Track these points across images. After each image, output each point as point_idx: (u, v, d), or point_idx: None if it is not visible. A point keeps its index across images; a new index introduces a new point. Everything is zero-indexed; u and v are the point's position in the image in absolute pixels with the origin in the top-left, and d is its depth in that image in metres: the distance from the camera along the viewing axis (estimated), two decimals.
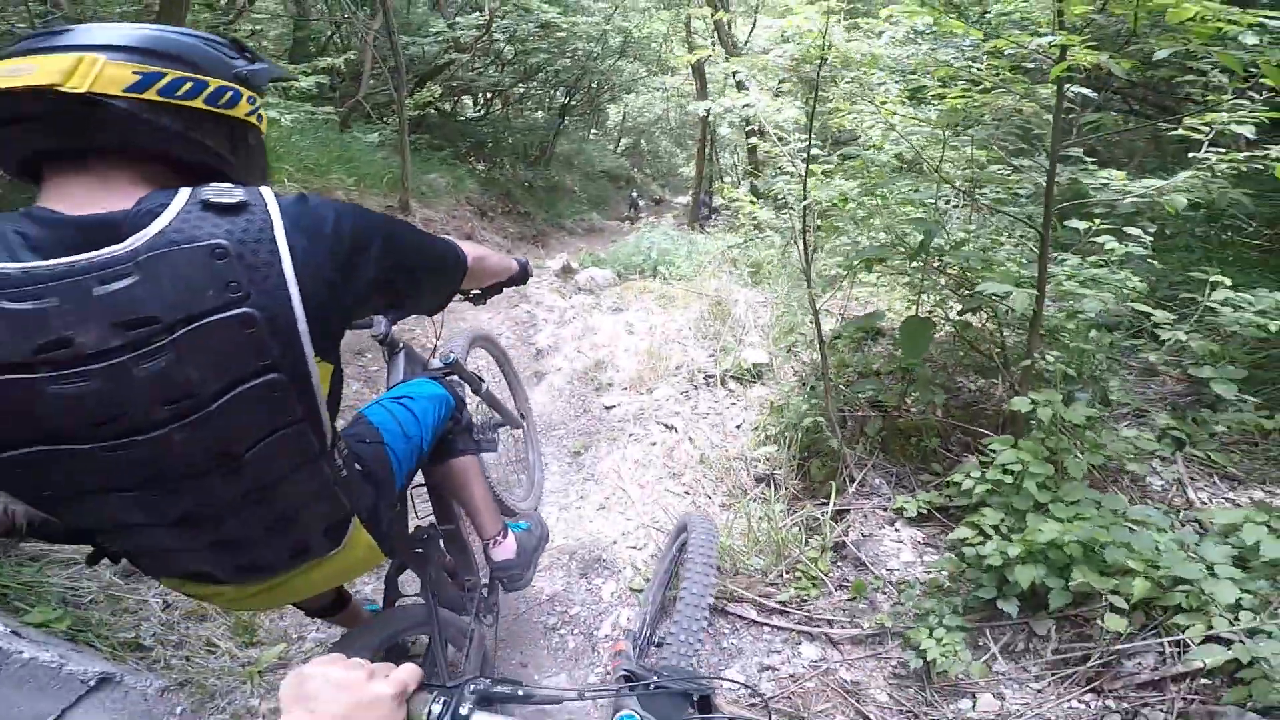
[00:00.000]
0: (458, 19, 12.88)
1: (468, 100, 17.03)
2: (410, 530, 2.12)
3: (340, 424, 1.43)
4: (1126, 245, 2.89)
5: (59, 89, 0.96)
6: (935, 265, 3.29)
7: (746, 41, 16.19)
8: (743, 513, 3.28)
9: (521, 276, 2.11)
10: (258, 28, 13.12)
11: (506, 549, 2.42)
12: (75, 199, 1.02)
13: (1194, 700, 2.09)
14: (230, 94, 1.14)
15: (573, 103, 19.51)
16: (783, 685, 2.58)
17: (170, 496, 1.08)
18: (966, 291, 3.23)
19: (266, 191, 1.07)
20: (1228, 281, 2.76)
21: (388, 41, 9.53)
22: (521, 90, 17.44)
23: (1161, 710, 2.10)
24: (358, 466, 1.51)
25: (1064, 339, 3.07)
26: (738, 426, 4.25)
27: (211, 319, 0.97)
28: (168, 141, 1.08)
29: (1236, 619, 2.10)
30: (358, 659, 0.90)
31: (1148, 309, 2.84)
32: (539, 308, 7.38)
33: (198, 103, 1.09)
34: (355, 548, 1.42)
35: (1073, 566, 2.26)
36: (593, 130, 28.99)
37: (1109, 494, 2.54)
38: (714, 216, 14.96)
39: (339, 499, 1.30)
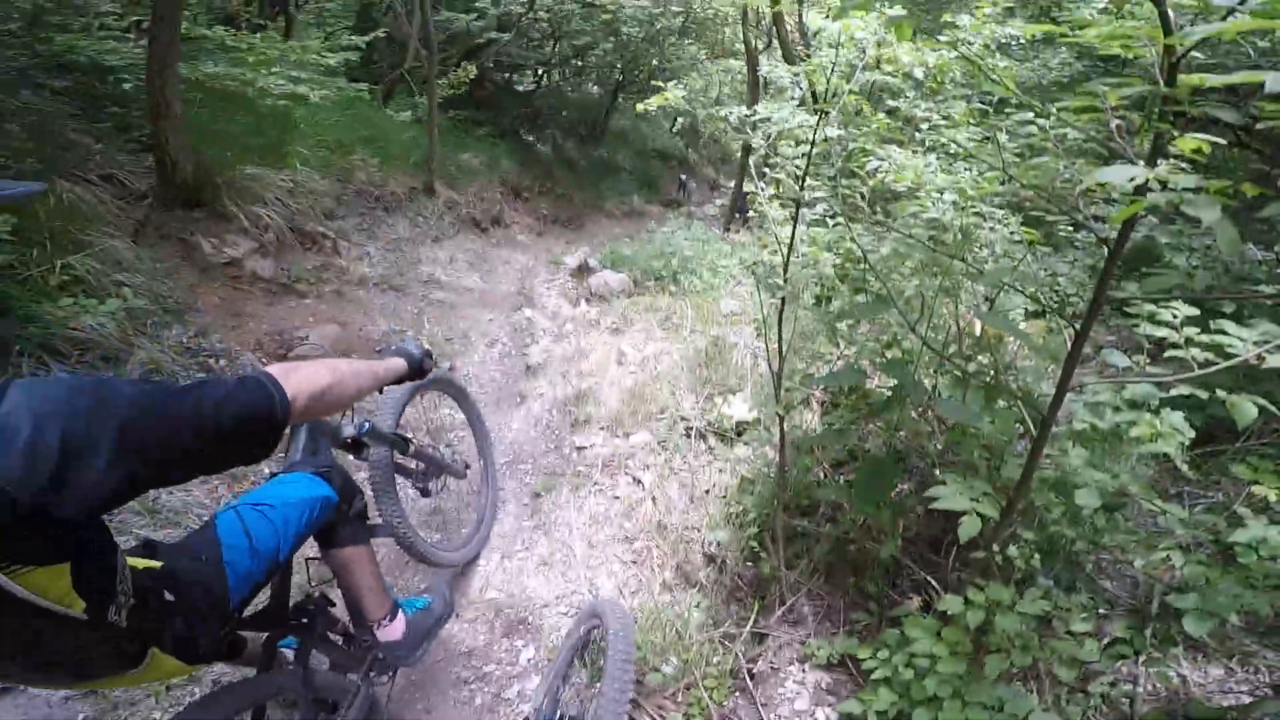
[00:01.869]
0: None
1: (527, 75, 16.96)
2: (296, 601, 2.16)
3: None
4: (1157, 440, 2.29)
5: None
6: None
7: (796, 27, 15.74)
8: (661, 615, 3.16)
9: (413, 374, 2.03)
10: None
11: (393, 631, 2.42)
12: None
13: None
14: None
15: (627, 80, 19.23)
16: None
17: None
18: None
19: None
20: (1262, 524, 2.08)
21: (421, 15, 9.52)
22: (578, 64, 17.24)
23: None
24: (169, 597, 1.50)
25: (1047, 513, 2.59)
26: (706, 491, 4.08)
27: None
28: None
29: None
30: None
31: (1159, 506, 2.36)
32: (542, 313, 7.32)
33: None
34: (158, 668, 1.45)
35: None
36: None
37: (1020, 695, 2.26)
38: (750, 211, 14.68)
39: (103, 651, 1.32)
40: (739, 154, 27.67)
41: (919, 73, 2.79)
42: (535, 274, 9.00)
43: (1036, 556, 2.51)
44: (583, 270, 8.78)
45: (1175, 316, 2.15)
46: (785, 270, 2.86)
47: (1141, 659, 2.37)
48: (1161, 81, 1.55)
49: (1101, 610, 2.74)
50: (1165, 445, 2.23)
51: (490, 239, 9.90)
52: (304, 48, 8.38)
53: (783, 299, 2.97)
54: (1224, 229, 1.36)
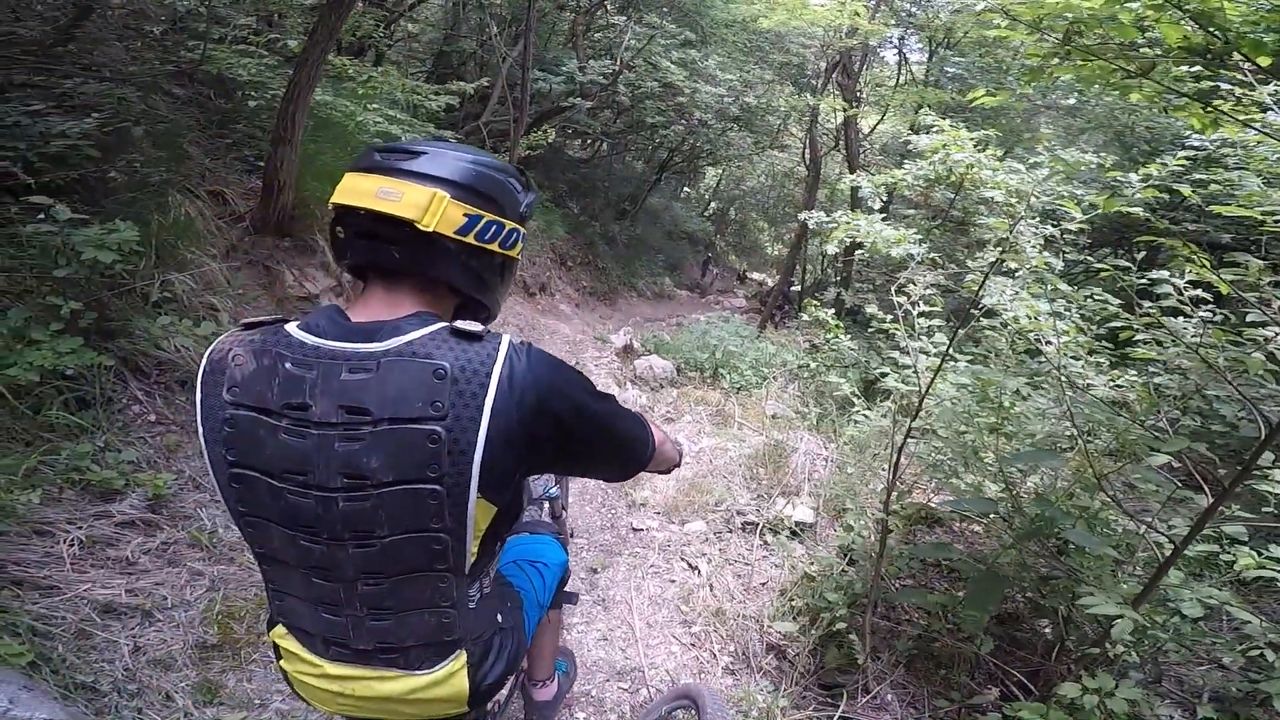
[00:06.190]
0: (590, 62, 13.44)
1: (575, 141, 17.56)
2: None
3: None
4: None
5: (416, 225, 1.24)
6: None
7: (869, 134, 16.58)
8: (744, 697, 3.44)
9: (676, 468, 2.20)
10: (413, 29, 13.79)
11: (549, 691, 2.66)
12: (369, 311, 1.31)
13: None
14: (515, 236, 1.42)
15: (675, 159, 19.94)
16: None
17: (313, 547, 1.28)
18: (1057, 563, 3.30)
19: (506, 335, 1.30)
20: None
21: (519, 72, 10.03)
22: (630, 138, 17.92)
23: None
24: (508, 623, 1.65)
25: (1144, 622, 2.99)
26: (763, 584, 4.42)
27: (407, 425, 1.18)
28: (464, 277, 1.37)
29: None
30: None
31: (1246, 615, 2.77)
32: None
33: (495, 246, 1.37)
34: (443, 684, 1.45)
35: None
36: (685, 188, 29.45)
37: None
38: (789, 308, 15.11)
39: (451, 622, 1.40)
40: (776, 250, 28.22)
41: (999, 196, 3.17)
42: (583, 349, 9.39)
43: (1134, 654, 2.98)
44: (628, 351, 9.23)
45: None
46: (920, 405, 3.35)
47: None
48: None
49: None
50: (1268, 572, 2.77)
51: (537, 305, 10.32)
52: (415, 89, 8.69)
53: (908, 430, 3.43)
54: None
